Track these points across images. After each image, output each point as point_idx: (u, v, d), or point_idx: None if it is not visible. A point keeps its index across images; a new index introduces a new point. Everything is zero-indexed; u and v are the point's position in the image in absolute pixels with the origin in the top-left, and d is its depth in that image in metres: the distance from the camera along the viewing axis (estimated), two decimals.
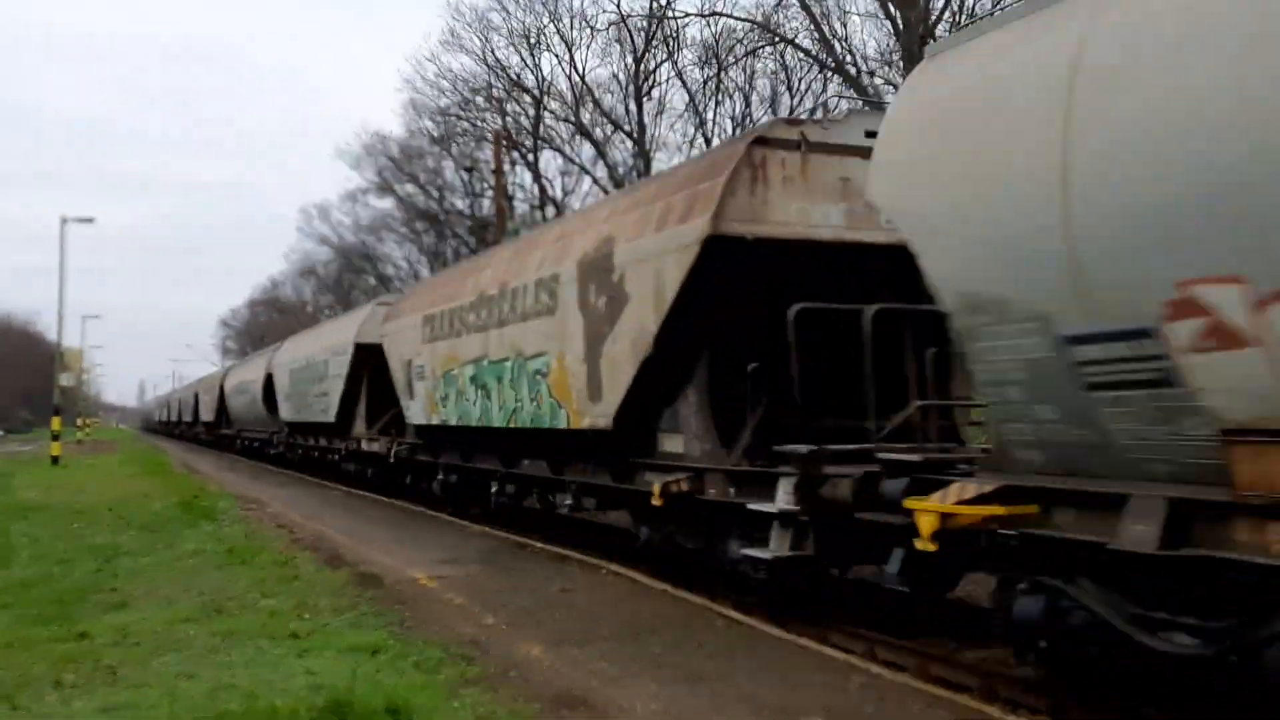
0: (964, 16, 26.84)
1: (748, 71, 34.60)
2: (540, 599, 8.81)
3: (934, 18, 27.10)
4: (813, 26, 29.71)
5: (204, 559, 11.28)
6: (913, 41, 24.76)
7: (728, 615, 8.01)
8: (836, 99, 30.05)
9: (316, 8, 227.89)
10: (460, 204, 47.63)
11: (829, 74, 31.18)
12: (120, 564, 11.09)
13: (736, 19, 32.06)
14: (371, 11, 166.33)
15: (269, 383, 28.62)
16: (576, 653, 6.86)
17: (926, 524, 5.42)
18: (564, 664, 6.58)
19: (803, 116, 9.15)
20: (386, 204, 52.47)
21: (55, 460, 33.81)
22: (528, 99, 39.34)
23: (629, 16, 33.96)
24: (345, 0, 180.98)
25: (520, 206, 42.34)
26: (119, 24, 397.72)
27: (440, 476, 15.44)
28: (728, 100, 36.09)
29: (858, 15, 43.33)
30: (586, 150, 39.90)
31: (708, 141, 35.04)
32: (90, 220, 38.90)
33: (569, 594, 8.99)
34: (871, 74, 29.76)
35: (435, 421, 14.54)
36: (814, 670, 6.40)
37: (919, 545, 5.52)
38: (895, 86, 25.63)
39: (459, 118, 41.49)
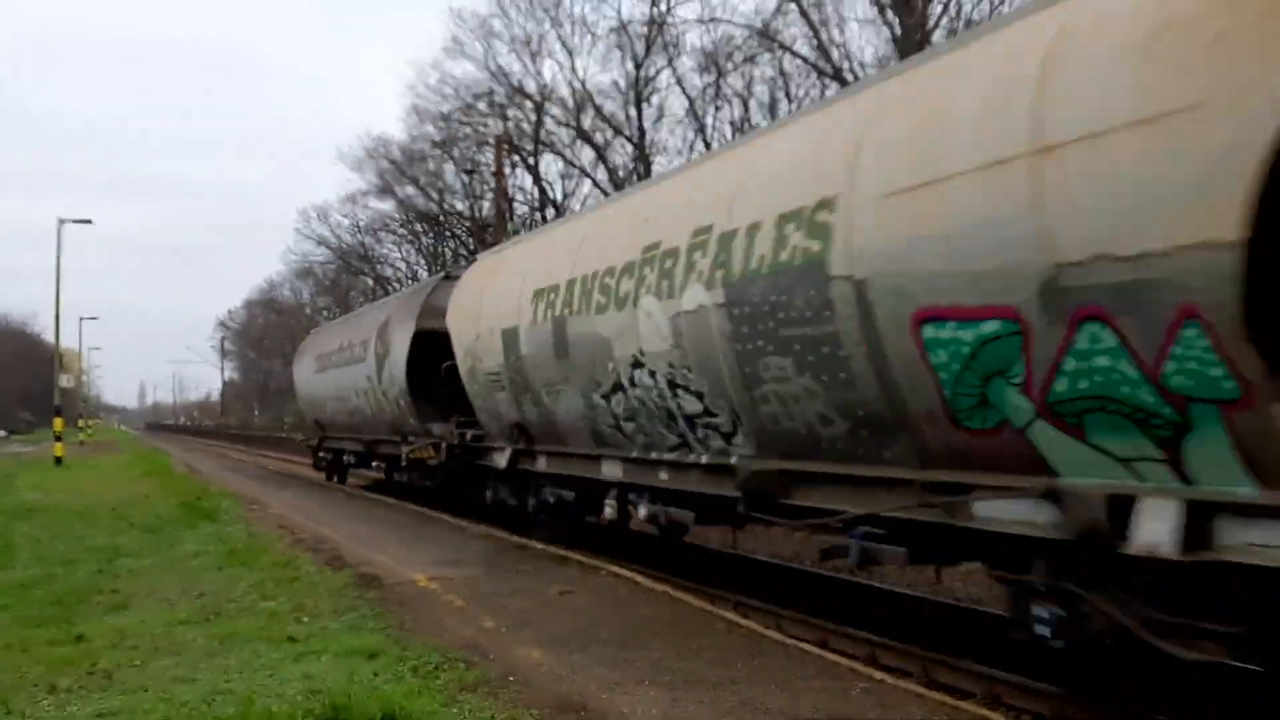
0: (961, 22, 26.82)
1: (746, 78, 34.68)
2: (540, 601, 8.77)
3: (931, 23, 27.07)
4: (811, 33, 29.73)
5: (205, 560, 11.24)
6: (910, 47, 24.67)
7: (727, 618, 7.98)
8: None
9: (322, 12, 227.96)
10: (460, 205, 47.70)
11: (826, 80, 31.18)
12: (121, 565, 11.05)
13: (736, 25, 32.12)
14: (375, 13, 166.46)
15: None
16: (576, 657, 6.82)
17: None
18: (563, 668, 6.53)
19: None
20: (386, 206, 52.51)
21: (59, 461, 33.80)
22: (529, 105, 39.40)
23: (629, 23, 34.03)
24: (351, 7, 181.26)
25: (520, 208, 42.40)
26: (136, 24, 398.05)
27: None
28: (727, 106, 36.18)
29: (855, 21, 43.36)
30: (587, 154, 39.96)
31: (707, 145, 35.07)
32: (88, 222, 38.34)
33: (569, 596, 8.96)
34: None
35: None
36: (815, 675, 6.35)
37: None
38: None
39: (461, 122, 41.57)
